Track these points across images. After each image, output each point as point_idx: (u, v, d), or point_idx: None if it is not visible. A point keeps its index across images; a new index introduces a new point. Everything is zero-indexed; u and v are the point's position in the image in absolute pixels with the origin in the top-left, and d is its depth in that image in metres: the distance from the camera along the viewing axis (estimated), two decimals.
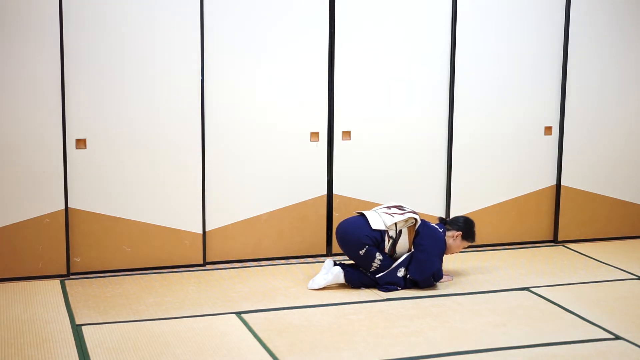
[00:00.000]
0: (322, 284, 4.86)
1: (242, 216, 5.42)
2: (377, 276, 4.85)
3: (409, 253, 4.91)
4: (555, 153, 6.04)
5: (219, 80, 5.23)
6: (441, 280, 4.99)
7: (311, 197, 5.55)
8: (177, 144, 5.18)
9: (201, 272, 5.22)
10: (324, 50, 5.43)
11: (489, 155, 5.88)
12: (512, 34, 5.79)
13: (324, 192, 5.57)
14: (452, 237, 5.04)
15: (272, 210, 5.48)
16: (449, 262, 5.41)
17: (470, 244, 5.13)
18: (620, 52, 6.04)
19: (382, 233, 4.86)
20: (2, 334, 4.06)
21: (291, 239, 5.56)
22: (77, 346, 3.89)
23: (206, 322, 4.26)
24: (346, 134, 5.55)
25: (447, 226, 5.07)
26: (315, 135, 5.49)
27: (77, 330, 4.11)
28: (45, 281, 4.96)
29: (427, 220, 5.07)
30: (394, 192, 5.66)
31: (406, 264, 4.86)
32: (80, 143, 5.00)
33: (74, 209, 5.03)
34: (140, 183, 5.15)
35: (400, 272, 4.85)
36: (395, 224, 4.88)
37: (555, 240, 6.12)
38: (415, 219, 4.93)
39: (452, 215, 5.72)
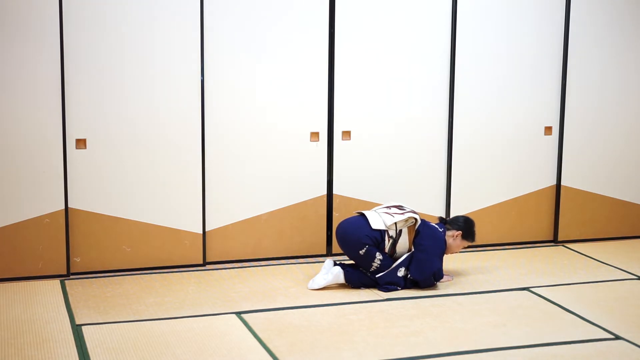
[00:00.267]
0: (322, 284, 4.86)
1: (242, 216, 5.43)
2: (377, 276, 4.85)
3: (409, 253, 4.91)
4: (555, 153, 6.04)
5: (219, 80, 5.24)
6: (441, 280, 4.99)
7: (311, 197, 5.55)
8: (177, 144, 5.18)
9: (201, 272, 5.22)
10: (324, 50, 5.43)
11: (489, 155, 5.88)
12: (512, 34, 5.79)
13: (324, 192, 5.57)
14: (452, 236, 5.04)
15: (272, 210, 5.48)
16: (449, 262, 5.41)
17: (470, 243, 5.13)
18: (620, 52, 6.04)
19: (382, 233, 4.86)
20: (2, 334, 4.06)
21: (291, 239, 5.56)
22: (77, 346, 3.89)
23: (206, 322, 4.26)
24: (346, 134, 5.55)
25: (447, 226, 5.07)
26: (315, 135, 5.49)
27: (77, 330, 4.11)
28: (45, 281, 4.96)
29: (427, 220, 5.07)
30: (394, 192, 5.66)
31: (406, 263, 4.86)
32: (80, 143, 5.00)
33: (74, 209, 5.03)
34: (140, 183, 5.15)
35: (401, 272, 4.85)
36: (395, 223, 4.89)
37: (555, 240, 6.12)
38: (415, 219, 4.93)
39: (452, 215, 5.72)
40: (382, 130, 5.62)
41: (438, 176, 5.81)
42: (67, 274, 5.05)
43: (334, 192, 5.59)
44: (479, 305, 4.60)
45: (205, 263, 5.36)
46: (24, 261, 4.96)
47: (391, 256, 4.90)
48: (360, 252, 4.82)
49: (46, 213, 4.95)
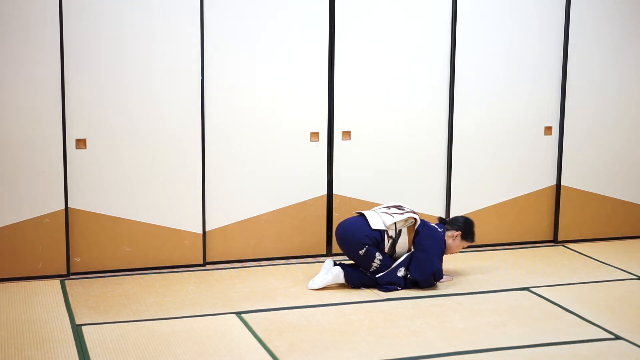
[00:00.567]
0: (322, 284, 4.86)
1: (242, 216, 5.43)
2: (377, 276, 4.85)
3: (409, 253, 4.91)
4: (555, 153, 6.04)
5: (219, 80, 5.23)
6: (441, 280, 4.99)
7: (311, 197, 5.55)
8: (177, 144, 5.18)
9: (201, 272, 5.22)
10: (324, 50, 5.43)
11: (489, 155, 5.88)
12: (512, 34, 5.79)
13: (324, 192, 5.57)
14: (452, 237, 5.04)
15: (272, 210, 5.48)
16: (449, 262, 5.41)
17: (469, 243, 5.13)
18: (620, 52, 6.04)
19: (381, 233, 4.86)
20: (2, 334, 4.06)
21: (291, 239, 5.56)
22: (77, 346, 3.89)
23: (206, 322, 4.26)
24: (346, 134, 5.55)
25: (447, 226, 5.07)
26: (315, 135, 5.49)
27: (77, 330, 4.11)
28: (45, 281, 4.96)
29: (426, 220, 5.07)
30: (394, 192, 5.66)
31: (406, 263, 4.86)
32: (80, 143, 5.00)
33: (74, 209, 5.03)
34: (140, 183, 5.15)
35: (401, 272, 4.85)
36: (395, 223, 4.89)
37: (555, 240, 6.12)
38: (415, 219, 4.93)
39: (452, 216, 5.72)
40: (382, 130, 5.62)
41: (438, 176, 5.81)
42: (67, 274, 5.05)
43: (334, 192, 5.59)
44: (479, 305, 4.60)
45: (205, 263, 5.36)
46: (24, 261, 4.96)
47: (391, 256, 4.90)
48: (360, 252, 4.82)
49: (46, 213, 4.95)
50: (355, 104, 5.54)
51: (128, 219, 5.15)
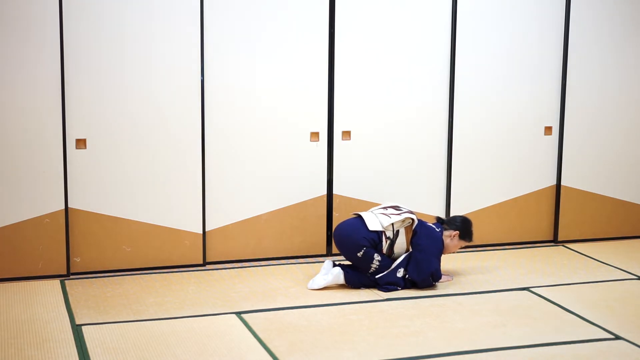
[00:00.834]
0: (322, 284, 4.86)
1: (242, 216, 5.43)
2: (376, 277, 4.85)
3: (407, 253, 4.90)
4: (555, 153, 6.04)
5: (219, 80, 5.23)
6: (441, 281, 4.99)
7: (311, 197, 5.55)
8: (177, 144, 5.18)
9: (201, 272, 5.22)
10: (324, 49, 5.43)
11: (489, 155, 5.88)
12: (512, 34, 5.79)
13: (324, 192, 5.57)
14: (450, 236, 5.03)
15: (272, 210, 5.48)
16: (448, 262, 5.41)
17: (467, 243, 5.13)
18: (620, 52, 6.04)
19: (379, 234, 4.86)
20: (2, 334, 4.06)
21: (291, 239, 5.56)
22: (77, 346, 3.89)
23: (206, 322, 4.26)
24: (346, 134, 5.55)
25: (445, 226, 5.07)
26: (315, 135, 5.49)
27: (77, 330, 4.11)
28: (45, 281, 4.96)
29: (424, 220, 5.07)
30: (394, 192, 5.67)
31: (405, 264, 4.86)
32: (80, 143, 5.00)
33: (74, 209, 5.04)
34: (141, 183, 5.15)
35: (400, 273, 4.85)
36: (392, 224, 4.88)
37: (555, 240, 6.12)
38: (412, 219, 4.93)
39: (451, 215, 5.72)
40: (382, 130, 5.62)
41: (438, 176, 5.81)
42: (67, 274, 5.05)
43: (334, 192, 5.59)
44: (479, 305, 4.60)
45: (205, 263, 5.36)
46: (24, 261, 4.96)
47: (389, 257, 4.90)
48: (358, 254, 4.82)
49: (46, 213, 4.95)
50: (355, 104, 5.54)
51: (128, 219, 5.15)
